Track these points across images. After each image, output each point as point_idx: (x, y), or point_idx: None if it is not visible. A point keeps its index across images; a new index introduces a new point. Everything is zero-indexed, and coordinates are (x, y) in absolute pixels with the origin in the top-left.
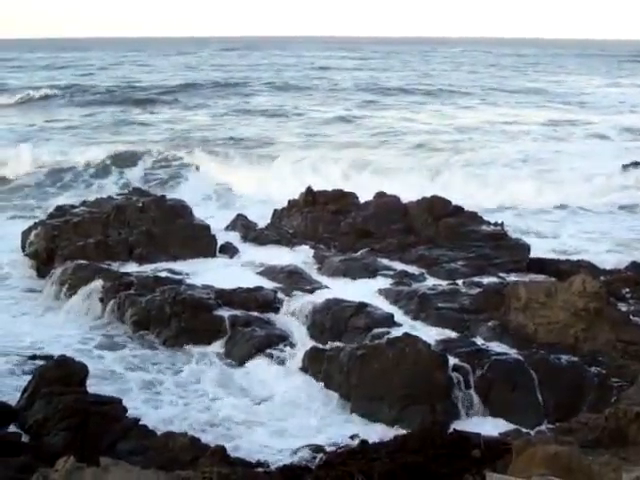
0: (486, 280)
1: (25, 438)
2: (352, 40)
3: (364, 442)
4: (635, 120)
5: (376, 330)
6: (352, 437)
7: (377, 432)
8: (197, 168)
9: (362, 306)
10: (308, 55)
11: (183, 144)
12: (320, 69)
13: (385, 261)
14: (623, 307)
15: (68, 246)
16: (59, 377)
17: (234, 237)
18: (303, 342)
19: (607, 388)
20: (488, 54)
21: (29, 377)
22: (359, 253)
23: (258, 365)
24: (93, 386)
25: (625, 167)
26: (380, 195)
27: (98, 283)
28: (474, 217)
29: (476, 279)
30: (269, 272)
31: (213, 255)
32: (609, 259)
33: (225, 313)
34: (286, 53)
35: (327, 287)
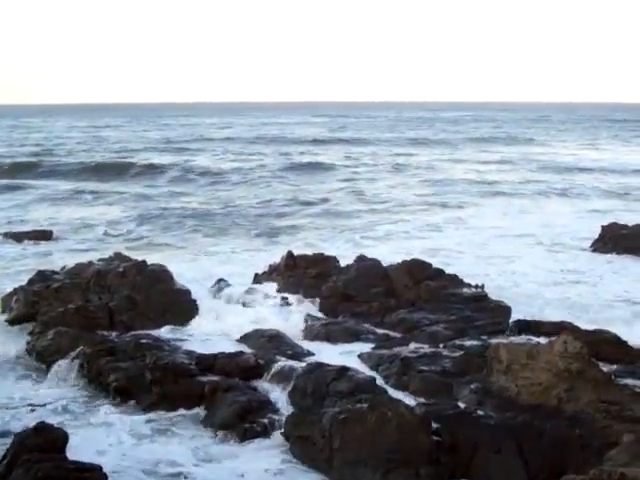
0: (468, 342)
1: None
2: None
3: None
4: None
5: (358, 394)
6: None
7: None
8: None
9: (344, 370)
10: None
11: None
12: None
13: (366, 325)
14: (605, 367)
15: (48, 312)
16: (38, 444)
17: (215, 302)
18: (284, 407)
19: (591, 449)
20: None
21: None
22: (340, 317)
23: (239, 432)
24: (72, 452)
25: None
26: (361, 259)
27: (79, 349)
28: (455, 279)
29: (458, 342)
30: (251, 337)
31: (194, 320)
32: None
33: (206, 379)
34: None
35: (309, 351)
